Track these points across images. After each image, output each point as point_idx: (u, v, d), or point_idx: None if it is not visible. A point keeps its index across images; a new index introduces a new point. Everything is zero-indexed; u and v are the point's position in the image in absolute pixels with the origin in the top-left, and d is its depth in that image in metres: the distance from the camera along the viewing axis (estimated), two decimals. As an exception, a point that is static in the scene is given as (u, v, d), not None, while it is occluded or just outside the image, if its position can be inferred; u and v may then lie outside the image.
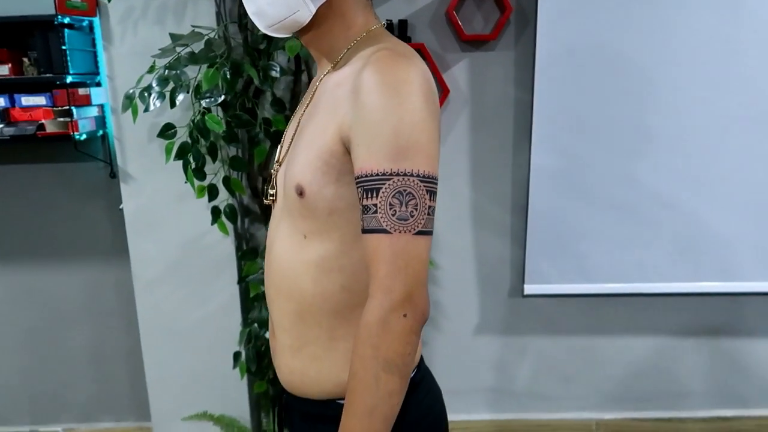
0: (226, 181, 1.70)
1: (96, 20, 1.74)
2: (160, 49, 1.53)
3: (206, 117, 1.51)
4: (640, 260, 1.91)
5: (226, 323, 1.90)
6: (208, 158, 1.63)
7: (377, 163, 0.72)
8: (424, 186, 0.72)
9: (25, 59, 1.76)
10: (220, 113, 1.67)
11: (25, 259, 2.06)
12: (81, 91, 1.75)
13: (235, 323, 1.90)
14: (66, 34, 1.67)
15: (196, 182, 1.65)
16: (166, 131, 1.56)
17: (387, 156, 0.71)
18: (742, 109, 1.77)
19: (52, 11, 1.63)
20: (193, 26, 1.58)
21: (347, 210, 0.80)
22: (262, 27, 0.88)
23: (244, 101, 1.74)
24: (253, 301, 1.80)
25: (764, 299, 2.04)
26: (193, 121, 1.55)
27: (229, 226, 1.79)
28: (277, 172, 0.93)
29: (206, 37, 1.53)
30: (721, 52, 1.73)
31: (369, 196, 0.72)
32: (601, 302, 2.05)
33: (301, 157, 0.82)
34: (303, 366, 0.87)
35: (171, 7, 1.68)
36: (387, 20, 1.73)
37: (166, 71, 1.50)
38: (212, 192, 1.69)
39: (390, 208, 0.71)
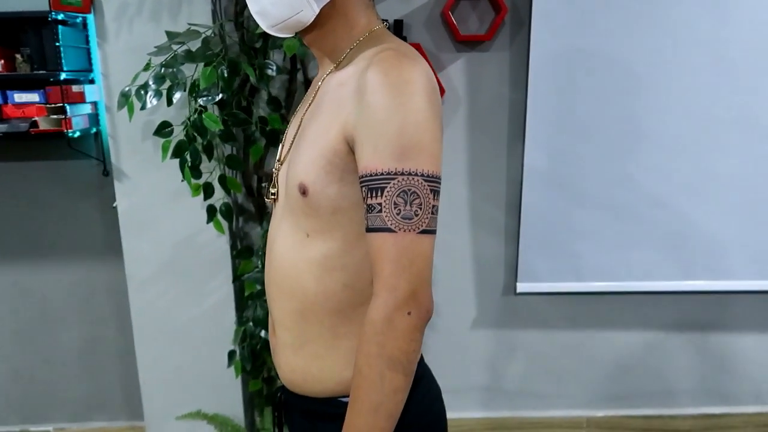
0: (222, 179, 1.69)
1: (90, 17, 1.73)
2: (155, 47, 1.53)
3: (204, 115, 1.50)
4: (631, 259, 1.94)
5: (220, 322, 1.90)
6: (203, 157, 1.63)
7: (382, 162, 0.72)
8: (428, 185, 0.73)
9: (18, 56, 1.75)
10: (216, 111, 1.67)
11: (16, 257, 2.05)
12: (75, 88, 1.74)
13: (229, 322, 1.90)
14: (60, 31, 1.66)
15: (192, 181, 1.64)
16: (163, 129, 1.56)
17: (391, 155, 0.72)
18: (732, 110, 1.80)
19: (46, 7, 1.62)
20: (189, 24, 1.58)
21: (350, 209, 0.81)
22: (265, 26, 0.88)
23: (240, 100, 1.74)
24: (247, 299, 1.80)
25: (752, 297, 2.07)
26: (189, 119, 1.54)
27: (224, 224, 1.79)
28: (278, 171, 0.93)
29: (203, 35, 1.53)
30: (711, 55, 1.76)
31: (373, 195, 0.73)
32: (592, 300, 2.07)
33: (304, 156, 0.82)
34: (305, 364, 0.87)
35: (166, 5, 1.67)
36: (383, 20, 1.74)
37: (163, 69, 1.49)
38: (208, 190, 1.69)
39: (394, 207, 0.72)
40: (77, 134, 1.75)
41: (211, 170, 1.72)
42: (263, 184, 1.87)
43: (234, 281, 1.86)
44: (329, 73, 0.88)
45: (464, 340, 2.10)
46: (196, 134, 1.54)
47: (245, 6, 1.69)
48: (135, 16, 1.68)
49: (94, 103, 1.85)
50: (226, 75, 1.48)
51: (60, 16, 1.66)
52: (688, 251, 1.92)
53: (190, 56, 1.49)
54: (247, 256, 1.82)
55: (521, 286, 1.97)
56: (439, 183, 0.75)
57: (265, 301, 1.72)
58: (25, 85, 1.72)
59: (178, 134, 1.59)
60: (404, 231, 0.72)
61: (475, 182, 1.96)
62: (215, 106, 1.66)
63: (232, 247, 1.88)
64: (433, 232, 0.75)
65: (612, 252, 1.93)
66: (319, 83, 0.89)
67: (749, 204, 1.88)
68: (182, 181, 1.63)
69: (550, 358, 2.13)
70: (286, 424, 0.99)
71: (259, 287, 1.74)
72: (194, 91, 1.54)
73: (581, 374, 2.15)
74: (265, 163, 1.85)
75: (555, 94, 1.80)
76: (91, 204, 2.00)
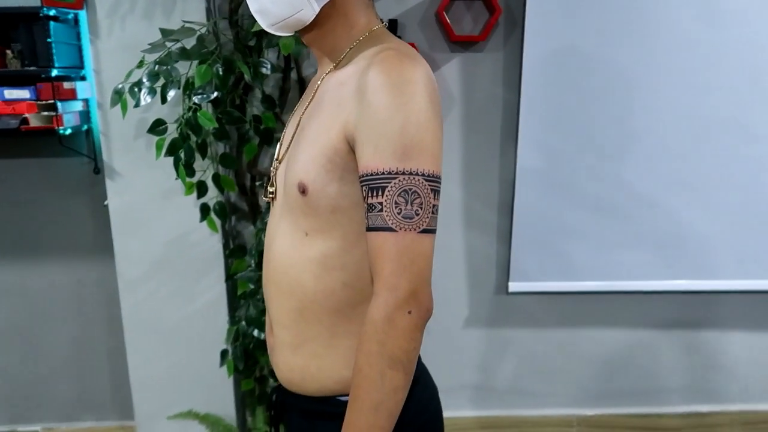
0: (216, 178, 1.69)
1: (82, 13, 1.71)
2: (149, 44, 1.52)
3: (198, 113, 1.50)
4: (622, 259, 1.96)
5: (212, 321, 1.89)
6: (196, 155, 1.62)
7: (383, 161, 0.72)
8: (429, 185, 0.74)
9: (9, 51, 1.73)
10: (210, 110, 1.66)
11: (5, 255, 2.02)
12: (66, 85, 1.72)
13: (221, 321, 1.89)
14: (51, 27, 1.64)
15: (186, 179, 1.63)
16: (157, 127, 1.55)
17: (393, 155, 0.72)
18: (721, 111, 1.82)
19: (38, 3, 1.61)
20: (184, 21, 1.57)
21: (350, 208, 0.81)
22: (265, 25, 0.87)
23: (234, 98, 1.73)
24: (240, 298, 1.80)
25: (738, 297, 2.10)
26: (183, 117, 1.53)
27: (217, 223, 1.78)
28: (276, 169, 0.93)
29: (198, 33, 1.52)
30: (701, 57, 1.78)
31: (374, 194, 0.73)
32: (583, 299, 2.09)
33: (304, 155, 0.82)
34: (303, 363, 0.87)
35: (160, 2, 1.66)
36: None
37: (157, 66, 1.48)
38: (201, 189, 1.68)
39: (395, 207, 0.72)
40: (68, 131, 1.73)
41: (204, 169, 1.71)
42: (257, 183, 1.86)
43: (227, 280, 1.86)
44: (329, 72, 0.88)
45: (456, 340, 2.11)
46: (190, 132, 1.54)
47: (239, 4, 1.68)
48: (128, 13, 1.67)
49: (86, 100, 1.84)
50: (221, 73, 1.47)
51: (51, 12, 1.64)
52: (676, 251, 1.95)
53: (185, 54, 1.48)
54: (240, 255, 1.81)
55: (513, 286, 1.98)
56: (440, 183, 0.76)
57: (259, 300, 1.72)
58: (16, 82, 1.70)
59: (172, 132, 1.58)
60: (405, 230, 0.72)
61: (468, 182, 1.97)
62: (209, 104, 1.65)
63: (225, 246, 1.87)
64: (433, 231, 0.75)
65: (603, 252, 1.95)
66: (318, 82, 0.89)
67: (736, 205, 1.90)
68: (176, 179, 1.62)
69: (541, 357, 2.14)
70: (282, 423, 0.99)
71: (252, 286, 1.74)
72: (188, 88, 1.53)
73: (572, 373, 2.17)
74: (259, 161, 1.85)
75: (548, 94, 1.81)
76: (82, 202, 1.98)
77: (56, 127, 1.69)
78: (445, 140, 1.93)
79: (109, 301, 2.05)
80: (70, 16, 1.74)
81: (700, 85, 1.80)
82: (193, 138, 1.57)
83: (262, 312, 1.71)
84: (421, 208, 0.73)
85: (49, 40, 1.64)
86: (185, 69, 1.55)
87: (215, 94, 1.47)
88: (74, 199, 1.98)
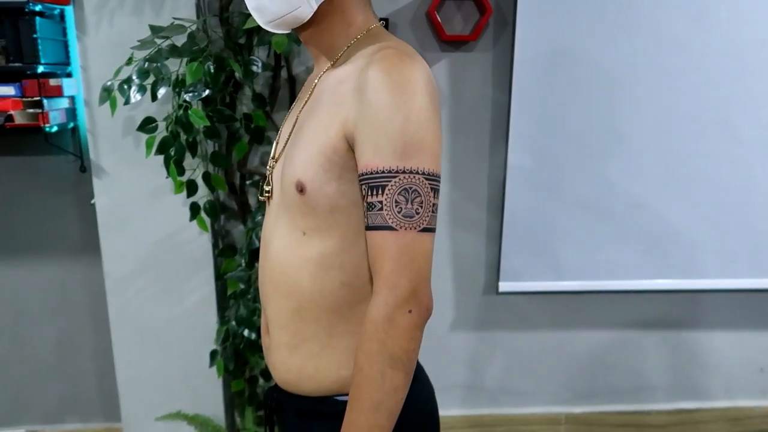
0: (207, 176, 1.67)
1: (69, 9, 1.68)
2: (138, 41, 1.50)
3: (189, 111, 1.48)
4: (610, 259, 1.97)
5: (201, 321, 1.87)
6: (186, 154, 1.61)
7: (383, 160, 0.72)
8: (429, 184, 0.73)
9: (-7, 47, 1.69)
10: (200, 107, 1.64)
11: (-12, 255, 1.99)
12: (52, 81, 1.69)
13: (210, 321, 1.87)
14: (37, 23, 1.61)
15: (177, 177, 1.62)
16: (147, 125, 1.53)
17: (393, 153, 0.72)
18: (708, 112, 1.85)
19: (24, -2, 1.58)
20: (174, 18, 1.55)
21: (349, 207, 0.80)
22: (262, 22, 0.87)
23: (224, 96, 1.72)
24: (230, 298, 1.78)
25: (723, 296, 2.13)
26: (174, 115, 1.52)
27: (207, 222, 1.76)
28: (272, 168, 0.92)
29: (189, 30, 1.51)
30: (689, 58, 1.80)
31: (374, 193, 0.73)
32: (572, 299, 2.11)
33: (302, 153, 0.81)
34: (301, 363, 0.86)
35: (149, -2, 1.64)
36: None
37: (147, 63, 1.46)
38: (191, 188, 1.66)
39: (396, 206, 0.72)
40: (54, 129, 1.70)
41: (194, 167, 1.70)
42: (247, 182, 1.85)
43: (217, 280, 1.84)
44: (326, 70, 0.87)
45: (446, 339, 2.11)
46: (180, 130, 1.52)
47: (230, 1, 1.67)
48: (116, 9, 1.64)
49: (72, 98, 1.81)
50: (212, 71, 1.46)
51: (38, 8, 1.61)
52: (664, 251, 1.97)
53: (176, 51, 1.46)
54: (230, 255, 1.80)
55: (503, 286, 1.99)
56: (439, 181, 0.75)
57: (249, 299, 1.70)
58: (1, 78, 1.66)
59: (161, 130, 1.56)
60: (405, 229, 0.72)
61: (458, 182, 1.98)
62: (199, 102, 1.64)
63: (214, 245, 1.86)
64: (433, 230, 0.75)
65: (592, 252, 1.96)
66: (316, 81, 0.89)
67: (722, 205, 1.93)
68: (167, 177, 1.61)
69: (529, 356, 2.16)
70: (278, 424, 0.99)
71: (242, 286, 1.72)
72: (178, 86, 1.51)
73: (560, 371, 2.18)
74: (248, 160, 1.83)
75: (538, 94, 1.82)
76: (68, 201, 1.95)
77: (42, 125, 1.65)
78: (435, 140, 1.93)
79: (96, 301, 2.02)
80: (57, 12, 1.71)
81: (688, 86, 1.82)
82: (183, 136, 1.56)
83: (253, 312, 1.70)
84: (422, 206, 0.73)
85: (34, 35, 1.61)
86: (175, 66, 1.54)
87: (207, 91, 1.46)
88: (60, 198, 1.95)
